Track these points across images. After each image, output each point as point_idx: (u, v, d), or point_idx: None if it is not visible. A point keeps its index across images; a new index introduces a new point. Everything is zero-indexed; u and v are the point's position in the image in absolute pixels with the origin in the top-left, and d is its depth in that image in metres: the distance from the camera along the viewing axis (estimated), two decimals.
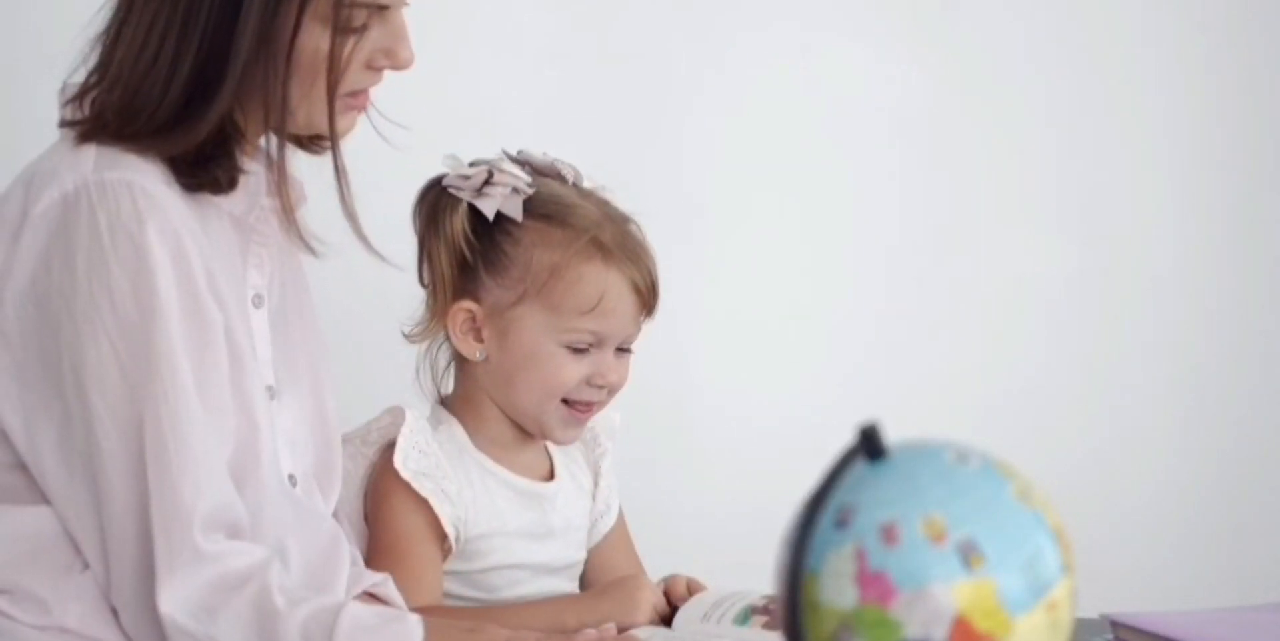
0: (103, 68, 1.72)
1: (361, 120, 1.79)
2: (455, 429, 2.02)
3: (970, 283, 2.87)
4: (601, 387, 2.00)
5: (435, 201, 2.00)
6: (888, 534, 1.21)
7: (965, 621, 1.20)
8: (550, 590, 2.03)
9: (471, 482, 1.99)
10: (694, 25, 2.72)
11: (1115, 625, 1.82)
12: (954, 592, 1.20)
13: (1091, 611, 1.76)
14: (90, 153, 1.69)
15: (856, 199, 2.82)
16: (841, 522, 1.22)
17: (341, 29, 1.70)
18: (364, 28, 1.72)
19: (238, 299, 1.77)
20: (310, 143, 1.82)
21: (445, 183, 1.99)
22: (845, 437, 1.25)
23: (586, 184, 2.03)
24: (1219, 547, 2.98)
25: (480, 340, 1.99)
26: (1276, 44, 2.98)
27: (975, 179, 2.87)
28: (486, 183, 1.97)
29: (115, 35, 1.71)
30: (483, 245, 1.97)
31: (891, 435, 1.26)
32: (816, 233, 2.80)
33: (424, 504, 1.95)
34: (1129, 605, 1.94)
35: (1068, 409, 2.91)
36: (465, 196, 1.98)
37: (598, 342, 1.98)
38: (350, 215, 1.75)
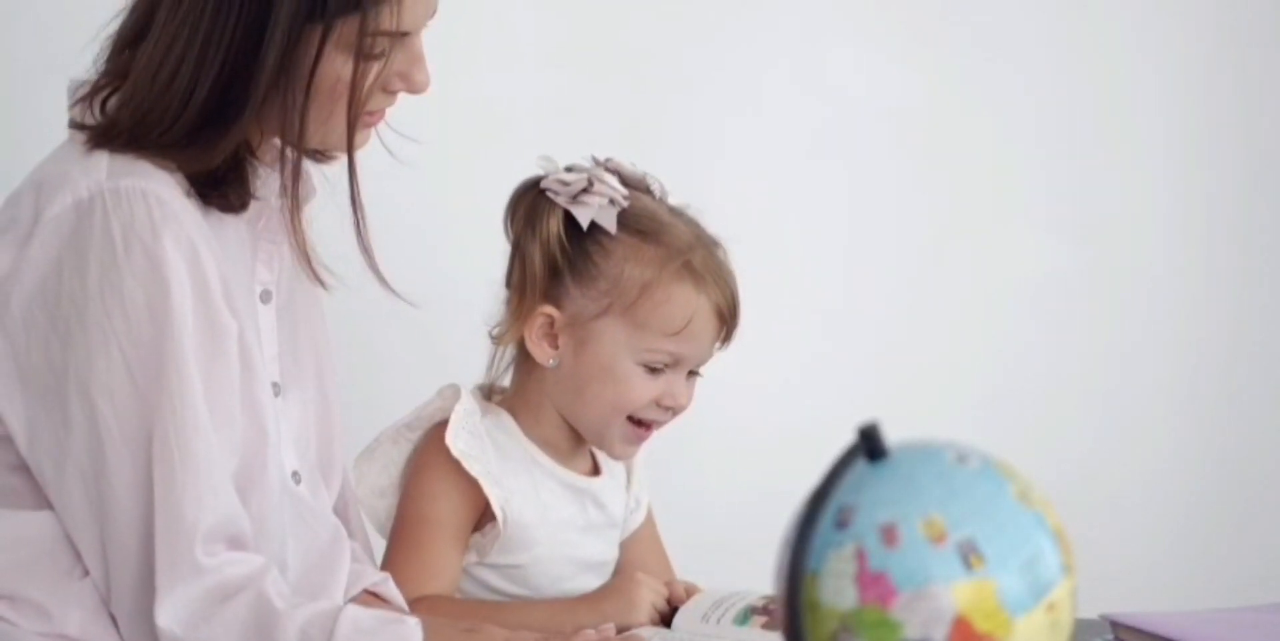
0: (118, 75, 1.71)
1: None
2: (505, 419, 2.00)
3: (969, 282, 2.87)
4: (668, 409, 1.99)
5: (533, 203, 1.97)
6: (888, 534, 1.21)
7: (965, 622, 1.20)
8: (587, 585, 2.02)
9: (517, 472, 1.98)
10: (694, 27, 2.72)
11: (1115, 625, 1.82)
12: (954, 593, 1.20)
13: (1091, 611, 1.76)
14: (103, 158, 1.68)
15: (855, 198, 2.82)
16: (841, 523, 1.22)
17: (365, 57, 1.69)
18: (385, 54, 1.71)
19: (247, 297, 1.76)
20: (318, 154, 1.81)
21: (544, 186, 1.97)
22: (845, 437, 1.25)
23: (672, 201, 2.02)
24: (1219, 547, 2.98)
25: (555, 347, 1.97)
26: (1271, 42, 2.98)
27: (973, 178, 2.87)
28: (585, 191, 1.95)
29: (133, 45, 1.70)
30: (573, 253, 1.95)
31: (891, 435, 1.26)
32: (816, 232, 2.80)
33: (462, 487, 1.94)
34: (1129, 605, 1.94)
35: (1067, 408, 2.91)
36: (562, 202, 1.95)
37: (674, 364, 1.97)
38: (365, 250, 1.74)
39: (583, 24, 2.66)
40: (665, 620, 1.97)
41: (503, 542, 1.96)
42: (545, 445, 2.01)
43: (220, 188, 1.71)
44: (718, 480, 2.74)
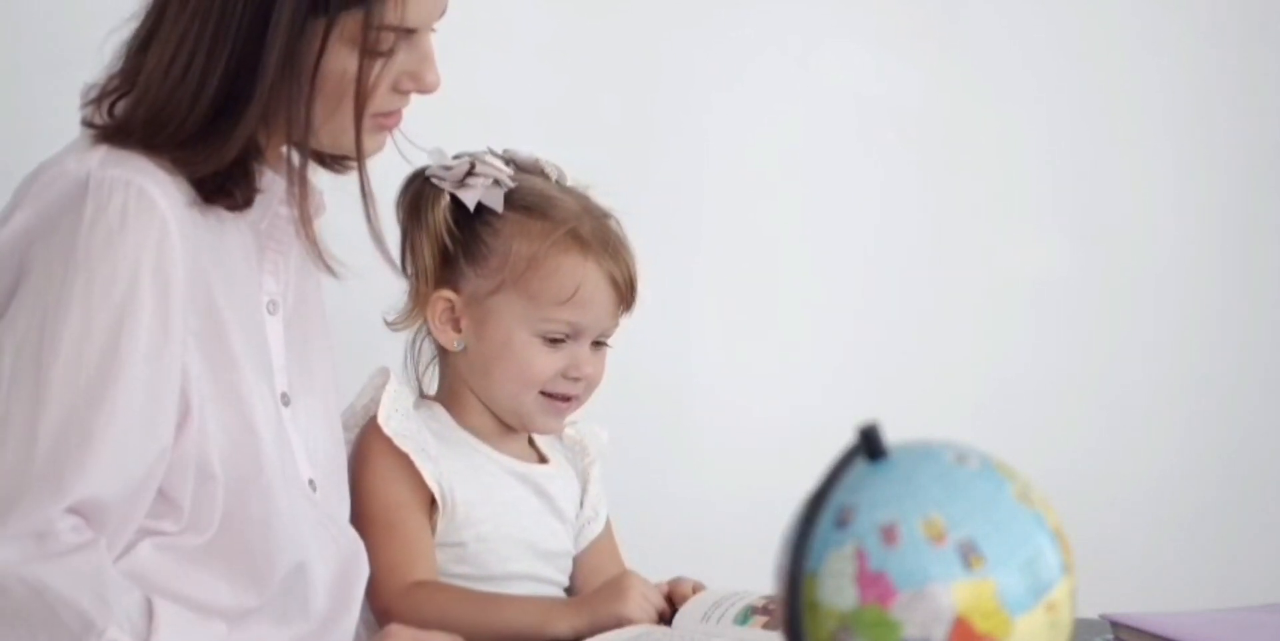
0: (128, 76, 1.72)
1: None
2: (438, 410, 2.04)
3: (970, 282, 2.87)
4: (578, 380, 2.02)
5: (418, 192, 2.02)
6: (887, 534, 1.21)
7: (965, 621, 1.20)
8: (542, 573, 2.04)
9: (456, 455, 2.00)
10: (693, 25, 2.72)
11: (1115, 625, 1.82)
12: (954, 593, 1.20)
13: (1091, 611, 1.76)
14: (101, 149, 1.69)
15: (857, 198, 2.82)
16: (841, 522, 1.23)
17: (369, 52, 1.70)
18: (391, 51, 1.72)
19: (249, 305, 1.77)
20: (333, 162, 1.82)
21: (428, 173, 2.02)
22: (845, 437, 1.25)
23: (569, 183, 2.06)
24: (1219, 547, 2.98)
25: (459, 330, 2.01)
26: (1274, 42, 2.98)
27: (975, 178, 2.87)
28: (469, 174, 2.00)
29: (144, 47, 1.71)
30: (464, 235, 2.00)
31: (891, 435, 1.26)
32: (816, 232, 2.80)
33: (410, 468, 1.95)
34: (1129, 605, 1.94)
35: (1068, 408, 2.91)
36: (447, 187, 2.00)
37: (574, 334, 2.00)
38: (377, 237, 1.75)
39: (579, 21, 2.66)
40: (665, 619, 1.97)
41: (445, 521, 1.98)
42: (479, 433, 2.04)
43: (225, 186, 1.72)
44: (717, 480, 2.74)
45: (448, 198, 2.00)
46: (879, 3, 2.81)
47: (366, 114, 1.73)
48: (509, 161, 2.04)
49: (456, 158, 2.02)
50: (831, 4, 2.79)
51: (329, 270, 1.78)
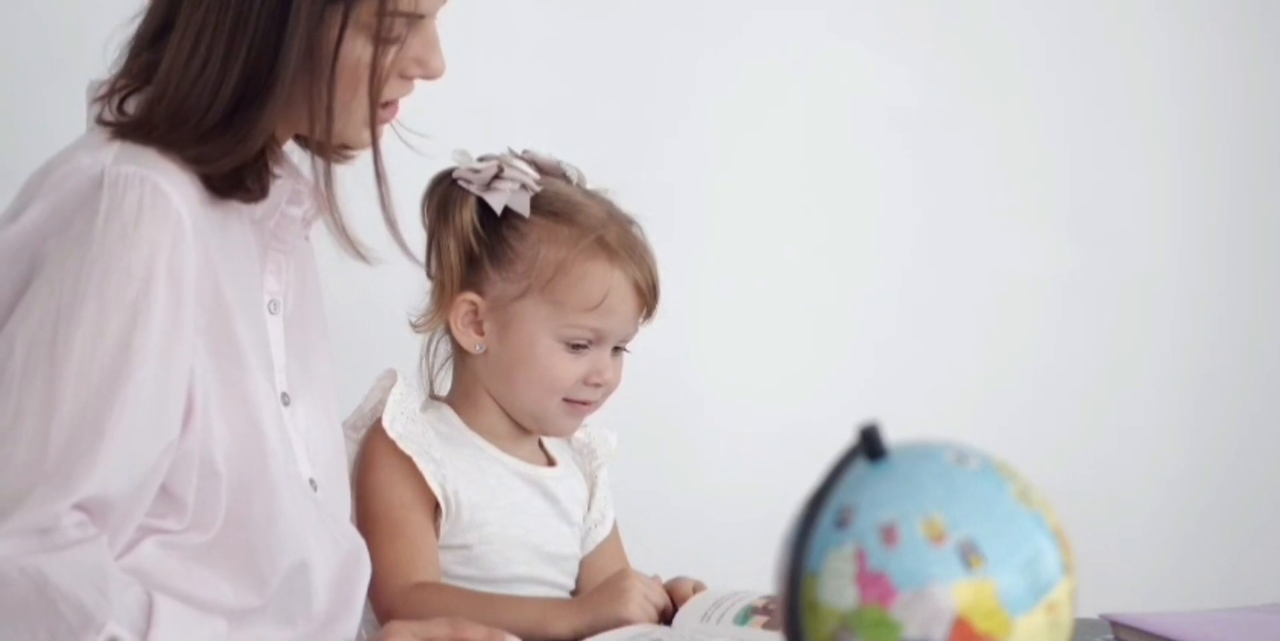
0: (139, 72, 1.72)
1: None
2: (446, 412, 2.04)
3: (971, 283, 2.88)
4: (598, 387, 2.02)
5: (446, 194, 2.02)
6: (888, 534, 1.21)
7: (965, 621, 1.20)
8: (546, 576, 2.04)
9: (462, 457, 2.00)
10: (694, 25, 2.72)
11: (1115, 625, 1.82)
12: (954, 593, 1.20)
13: (1091, 611, 1.76)
14: (115, 146, 1.69)
15: (857, 200, 2.82)
16: (841, 523, 1.23)
17: (384, 39, 1.71)
18: (401, 38, 1.73)
19: (252, 304, 1.77)
20: (334, 152, 1.82)
21: (455, 176, 2.02)
22: (845, 438, 1.25)
23: (590, 186, 2.06)
24: (1219, 548, 2.98)
25: (481, 333, 2.01)
26: (1275, 40, 2.98)
27: (976, 179, 2.87)
28: (496, 177, 2.00)
29: (155, 42, 1.71)
30: (490, 239, 2.00)
31: (892, 435, 1.26)
32: (816, 234, 2.80)
33: (413, 468, 1.96)
34: (1129, 605, 1.94)
35: (1069, 409, 2.91)
36: (474, 190, 2.00)
37: (597, 340, 2.00)
38: (390, 222, 1.75)
39: (580, 21, 2.66)
40: (666, 619, 1.97)
41: (450, 523, 1.98)
42: (489, 435, 2.04)
43: (241, 179, 1.72)
44: (718, 481, 2.74)
45: (475, 200, 2.00)
46: (877, 3, 2.82)
47: (380, 102, 1.73)
48: (530, 163, 2.03)
49: (482, 160, 2.02)
50: (830, 4, 2.79)
51: (361, 257, 1.78)
